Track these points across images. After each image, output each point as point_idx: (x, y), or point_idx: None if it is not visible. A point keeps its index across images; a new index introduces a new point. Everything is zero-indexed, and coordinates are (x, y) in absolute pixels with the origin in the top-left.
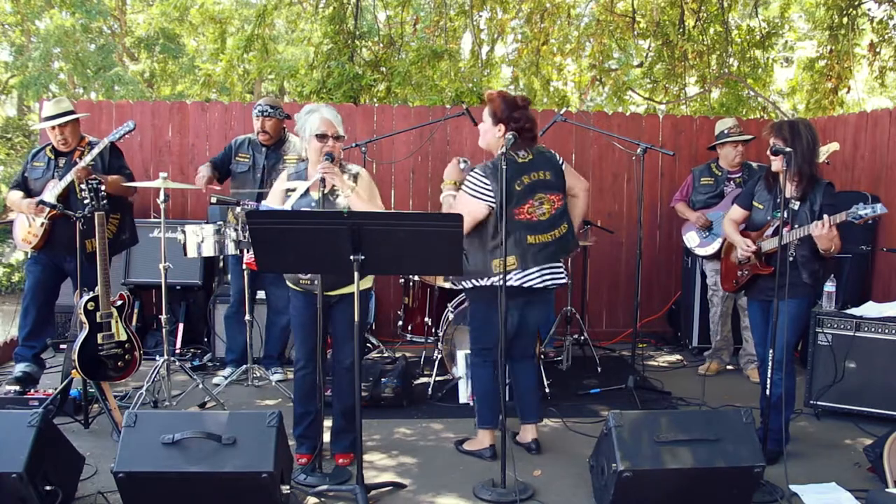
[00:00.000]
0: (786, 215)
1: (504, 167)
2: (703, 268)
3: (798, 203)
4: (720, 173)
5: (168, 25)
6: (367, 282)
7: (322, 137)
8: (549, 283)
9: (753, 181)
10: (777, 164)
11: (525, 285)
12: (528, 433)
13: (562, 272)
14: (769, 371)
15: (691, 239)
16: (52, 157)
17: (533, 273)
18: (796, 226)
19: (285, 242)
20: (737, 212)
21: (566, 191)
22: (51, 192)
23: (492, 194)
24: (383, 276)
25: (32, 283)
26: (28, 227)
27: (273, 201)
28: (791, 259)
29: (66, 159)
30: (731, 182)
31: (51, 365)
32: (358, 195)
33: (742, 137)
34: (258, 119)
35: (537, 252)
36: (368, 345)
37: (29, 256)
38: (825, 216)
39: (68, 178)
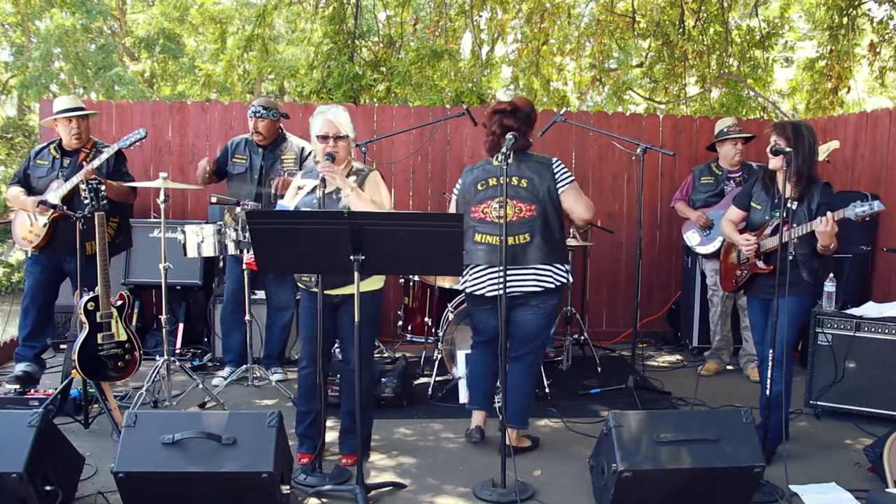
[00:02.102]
0: (785, 215)
1: (506, 166)
2: (702, 268)
3: (796, 203)
4: (720, 173)
5: (168, 25)
6: (376, 283)
7: (323, 138)
8: (494, 291)
9: (751, 182)
10: (776, 162)
11: (477, 293)
12: (509, 435)
13: (527, 279)
14: (769, 369)
15: (692, 238)
16: (58, 155)
17: (481, 278)
18: (794, 225)
19: (285, 242)
20: (734, 212)
21: (558, 208)
22: (55, 193)
23: (456, 190)
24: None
25: (32, 283)
26: (29, 226)
27: (287, 199)
28: (791, 258)
29: (72, 160)
30: (732, 181)
31: (51, 365)
32: (358, 195)
33: (741, 135)
34: (251, 119)
35: (483, 251)
36: (386, 355)
37: (29, 256)
38: (828, 212)
39: (74, 180)
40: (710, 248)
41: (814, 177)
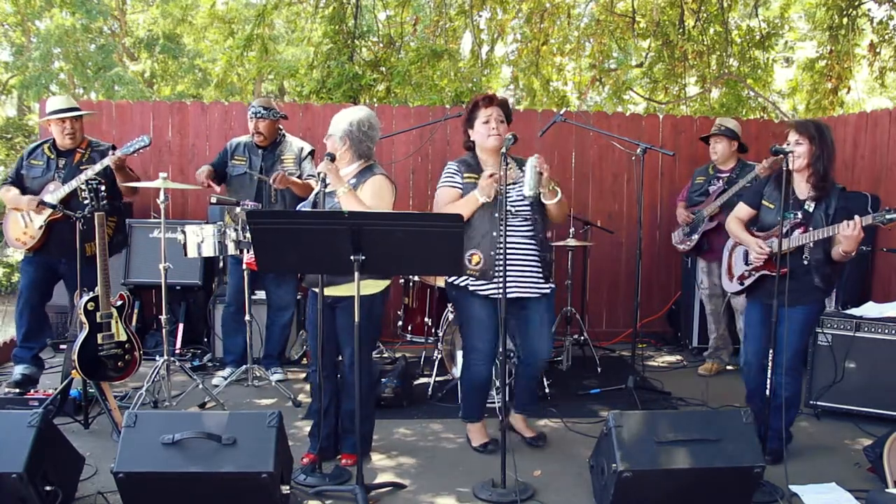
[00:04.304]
0: (800, 217)
1: (505, 166)
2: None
3: (813, 205)
4: (713, 172)
5: (168, 26)
6: (374, 286)
7: None
8: None
9: (763, 180)
10: (798, 163)
11: None
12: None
13: None
14: (768, 372)
15: (674, 236)
16: (52, 156)
17: None
18: (811, 228)
19: (285, 242)
20: (743, 210)
21: None
22: (52, 195)
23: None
24: None
25: (27, 283)
26: (24, 227)
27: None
28: (805, 263)
29: (67, 160)
30: (720, 180)
31: (50, 365)
32: (350, 196)
33: (713, 133)
34: (251, 120)
35: None
36: (386, 355)
37: (24, 256)
38: (856, 217)
39: (74, 184)
40: (685, 246)
41: (833, 179)
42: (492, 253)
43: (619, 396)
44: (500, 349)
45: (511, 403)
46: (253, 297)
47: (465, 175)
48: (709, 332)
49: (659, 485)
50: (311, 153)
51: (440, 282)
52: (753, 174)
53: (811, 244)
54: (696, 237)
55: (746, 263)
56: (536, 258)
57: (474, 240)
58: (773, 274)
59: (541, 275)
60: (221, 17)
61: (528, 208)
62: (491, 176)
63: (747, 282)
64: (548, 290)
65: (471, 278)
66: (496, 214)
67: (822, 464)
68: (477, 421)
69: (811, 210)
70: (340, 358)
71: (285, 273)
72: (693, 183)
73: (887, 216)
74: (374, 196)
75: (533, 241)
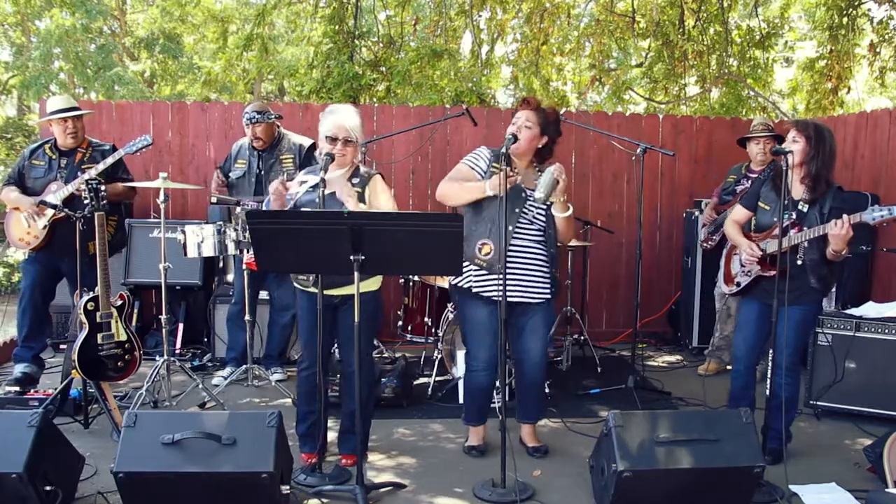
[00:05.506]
0: (794, 217)
1: (505, 167)
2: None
3: (807, 206)
4: (744, 172)
5: (168, 25)
6: (375, 283)
7: (332, 140)
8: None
9: (759, 182)
10: (794, 158)
11: None
12: None
13: None
14: (757, 376)
15: (702, 233)
16: (54, 156)
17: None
18: (805, 228)
19: (285, 242)
20: (740, 212)
21: None
22: (54, 195)
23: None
24: (384, 277)
25: (29, 282)
26: (27, 227)
27: (291, 188)
28: (800, 263)
29: (68, 160)
30: (748, 180)
31: (51, 365)
32: (359, 202)
33: (762, 134)
34: (248, 127)
35: None
36: (386, 355)
37: (26, 256)
38: (844, 215)
39: (76, 183)
40: (708, 244)
41: (830, 181)
42: (502, 245)
43: (619, 396)
44: (501, 349)
45: (515, 410)
46: (258, 296)
47: (493, 165)
48: (714, 330)
49: (659, 485)
50: (312, 146)
51: (440, 282)
52: None
53: (805, 244)
54: (717, 237)
55: (742, 265)
56: (545, 267)
57: (486, 229)
58: (767, 275)
59: (546, 284)
60: (215, 15)
61: (544, 218)
62: (508, 178)
63: (743, 282)
64: (549, 296)
65: (472, 277)
66: (516, 210)
67: (822, 464)
68: (476, 425)
69: (805, 211)
70: (339, 358)
71: (285, 273)
72: (725, 181)
73: (874, 213)
74: (384, 194)
75: (543, 250)
